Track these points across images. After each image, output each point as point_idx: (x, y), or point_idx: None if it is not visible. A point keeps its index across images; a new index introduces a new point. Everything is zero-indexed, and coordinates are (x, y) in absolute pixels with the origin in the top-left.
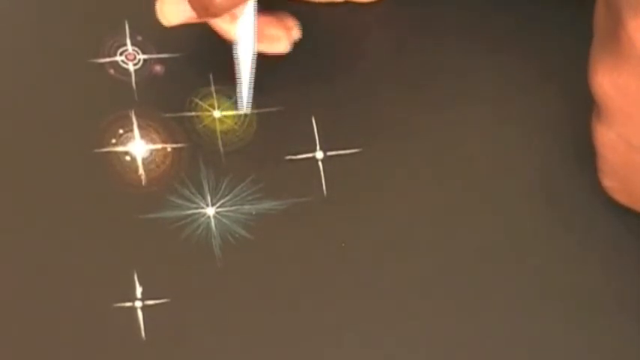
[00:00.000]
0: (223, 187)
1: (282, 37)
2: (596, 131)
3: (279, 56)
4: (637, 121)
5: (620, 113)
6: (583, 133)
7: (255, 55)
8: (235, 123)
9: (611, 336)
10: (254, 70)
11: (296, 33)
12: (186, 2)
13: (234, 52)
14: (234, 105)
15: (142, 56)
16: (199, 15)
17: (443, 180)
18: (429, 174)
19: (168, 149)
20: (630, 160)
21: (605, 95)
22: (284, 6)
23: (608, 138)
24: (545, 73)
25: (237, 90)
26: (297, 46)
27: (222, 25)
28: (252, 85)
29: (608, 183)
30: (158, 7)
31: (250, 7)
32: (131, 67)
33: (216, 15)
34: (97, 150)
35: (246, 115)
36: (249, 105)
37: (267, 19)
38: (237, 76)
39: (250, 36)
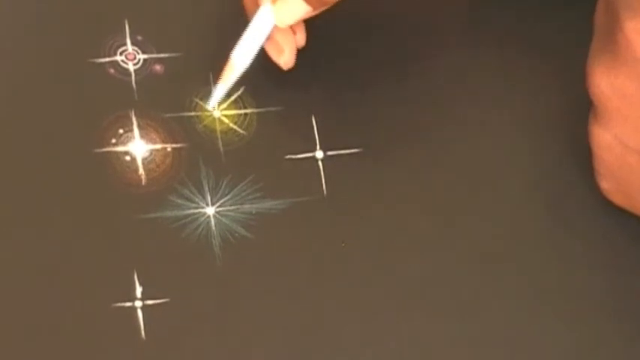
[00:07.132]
0: (223, 186)
1: (287, 50)
2: (592, 133)
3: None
4: (633, 123)
5: (616, 114)
6: (581, 134)
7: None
8: (235, 122)
9: (611, 336)
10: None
11: (300, 39)
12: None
13: (236, 50)
14: (209, 100)
15: (141, 56)
16: (315, 7)
17: (442, 180)
18: (429, 174)
19: (168, 149)
20: (626, 162)
21: (602, 96)
22: None
23: (604, 139)
24: (543, 74)
25: (218, 87)
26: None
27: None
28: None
29: (605, 185)
30: (274, 8)
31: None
32: (131, 67)
33: (328, 3)
34: (97, 150)
35: (246, 115)
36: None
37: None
38: (228, 74)
39: (258, 39)
